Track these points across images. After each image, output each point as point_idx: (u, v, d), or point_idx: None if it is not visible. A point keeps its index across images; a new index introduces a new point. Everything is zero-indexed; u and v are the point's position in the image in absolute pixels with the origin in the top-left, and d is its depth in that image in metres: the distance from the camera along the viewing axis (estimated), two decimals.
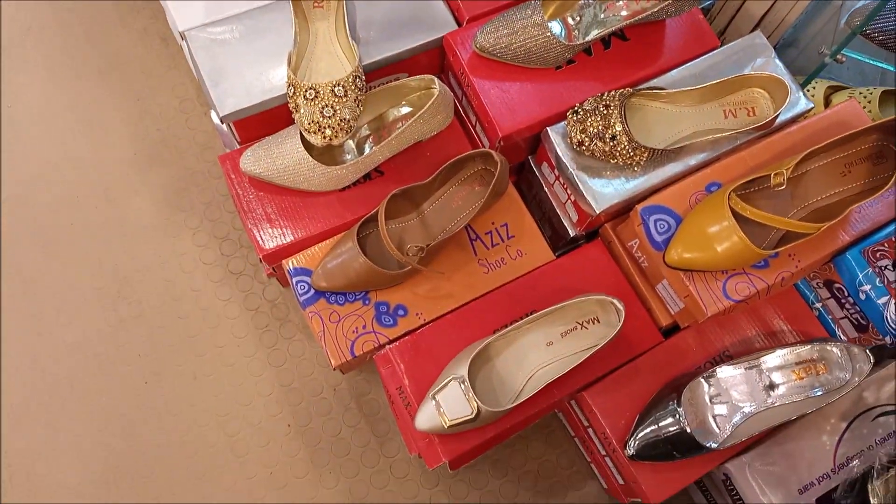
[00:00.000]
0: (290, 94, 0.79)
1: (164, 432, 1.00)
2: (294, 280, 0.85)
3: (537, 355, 0.82)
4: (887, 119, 0.76)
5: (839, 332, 0.87)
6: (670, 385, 0.84)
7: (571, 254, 0.89)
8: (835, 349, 0.81)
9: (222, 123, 0.86)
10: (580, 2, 0.84)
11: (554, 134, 0.83)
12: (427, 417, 0.77)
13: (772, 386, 0.80)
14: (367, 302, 0.84)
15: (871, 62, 0.90)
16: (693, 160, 0.83)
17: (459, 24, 0.89)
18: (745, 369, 0.81)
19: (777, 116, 0.80)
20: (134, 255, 1.08)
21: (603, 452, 0.90)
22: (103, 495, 0.97)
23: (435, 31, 0.87)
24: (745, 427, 0.80)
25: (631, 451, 0.81)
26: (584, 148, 0.80)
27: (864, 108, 0.91)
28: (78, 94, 1.16)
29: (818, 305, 0.88)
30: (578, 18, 0.85)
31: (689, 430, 0.78)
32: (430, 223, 0.86)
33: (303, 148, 0.82)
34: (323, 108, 0.78)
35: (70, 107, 1.15)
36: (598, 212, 0.81)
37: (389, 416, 1.03)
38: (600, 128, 0.79)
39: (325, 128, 0.78)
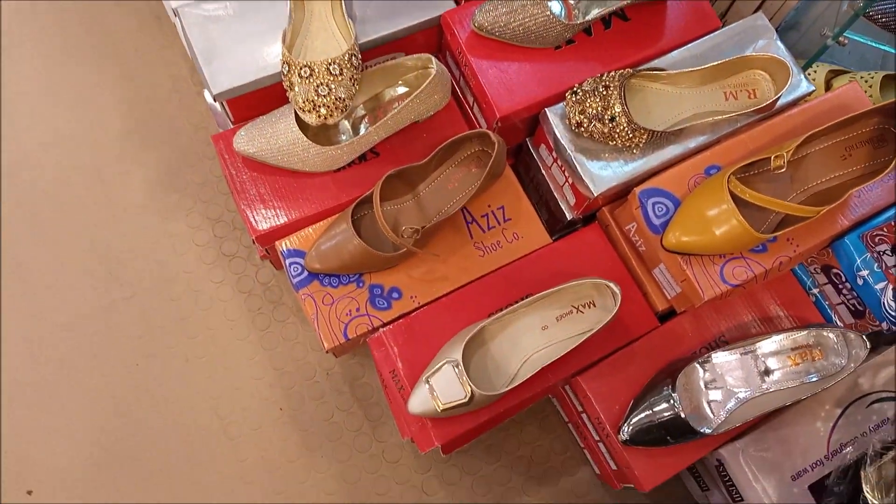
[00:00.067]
0: (285, 72, 0.78)
1: (156, 415, 1.00)
2: (287, 262, 0.84)
3: (532, 339, 0.81)
4: (888, 102, 0.76)
5: (836, 318, 0.87)
6: (665, 370, 0.83)
7: (568, 237, 0.88)
8: (831, 335, 0.80)
9: (215, 102, 0.84)
10: None
11: (552, 115, 0.82)
12: (420, 401, 0.77)
13: (767, 371, 0.80)
14: (361, 284, 0.83)
15: (874, 45, 0.89)
16: (693, 143, 0.82)
17: (457, 3, 0.87)
18: (741, 355, 0.80)
19: (778, 99, 0.79)
20: (126, 237, 1.07)
21: (596, 438, 0.90)
22: (94, 477, 0.97)
23: (432, 9, 0.86)
24: (739, 413, 0.79)
25: (624, 436, 0.80)
26: (582, 129, 0.79)
27: (866, 92, 0.90)
28: (70, 72, 1.14)
29: (815, 291, 0.87)
30: None
31: (683, 416, 0.78)
32: (426, 205, 0.85)
33: (297, 128, 0.81)
34: (318, 86, 0.77)
35: (62, 86, 1.13)
36: (595, 194, 0.80)
37: (382, 401, 1.02)
38: (599, 109, 0.78)
39: (319, 106, 0.77)
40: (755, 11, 0.90)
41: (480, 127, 0.88)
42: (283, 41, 0.78)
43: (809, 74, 0.96)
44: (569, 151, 0.81)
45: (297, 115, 0.81)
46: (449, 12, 0.85)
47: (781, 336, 0.80)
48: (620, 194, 0.85)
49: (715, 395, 0.80)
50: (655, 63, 0.84)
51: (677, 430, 0.79)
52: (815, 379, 0.79)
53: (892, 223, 0.80)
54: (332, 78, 0.77)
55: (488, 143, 0.82)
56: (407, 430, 0.83)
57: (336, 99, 0.77)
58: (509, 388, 0.77)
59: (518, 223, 0.88)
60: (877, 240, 0.80)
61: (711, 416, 0.79)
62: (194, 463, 0.98)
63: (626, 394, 0.83)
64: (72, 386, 1.00)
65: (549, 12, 0.80)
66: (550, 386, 0.83)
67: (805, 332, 0.81)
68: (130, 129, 1.12)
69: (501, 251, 0.86)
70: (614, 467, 0.90)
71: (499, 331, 0.81)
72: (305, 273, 0.83)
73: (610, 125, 0.78)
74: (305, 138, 0.80)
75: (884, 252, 0.79)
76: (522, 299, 0.82)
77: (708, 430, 0.78)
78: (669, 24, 0.86)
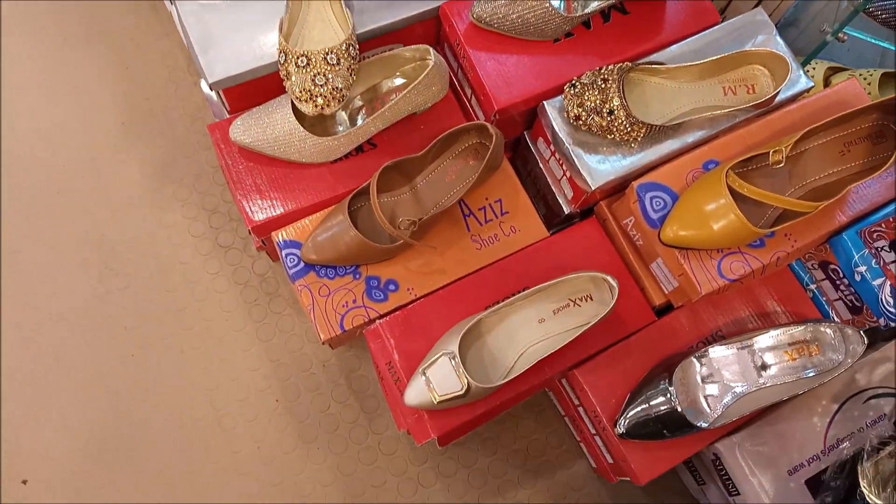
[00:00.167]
0: (282, 62, 0.78)
1: (151, 406, 0.99)
2: (283, 253, 0.83)
3: (529, 332, 0.81)
4: (887, 98, 0.75)
5: (833, 314, 0.87)
6: (662, 364, 0.83)
7: (565, 231, 0.88)
8: (828, 330, 0.80)
9: (212, 92, 0.84)
10: None
11: (550, 108, 0.82)
12: (416, 393, 0.76)
13: (764, 366, 0.80)
14: (357, 276, 0.83)
15: (873, 41, 0.89)
16: (691, 137, 0.81)
17: None
18: (738, 349, 0.80)
19: (777, 94, 0.79)
20: (121, 227, 1.06)
21: (593, 431, 0.90)
22: (89, 468, 0.96)
23: (431, 0, 0.85)
24: (735, 407, 0.79)
25: (621, 429, 0.80)
26: (580, 122, 0.79)
27: (864, 90, 0.90)
28: (65, 61, 1.13)
29: (812, 287, 0.87)
30: None
31: (679, 410, 0.78)
32: (423, 197, 0.85)
33: (294, 118, 0.80)
34: (315, 76, 0.76)
35: (57, 74, 1.13)
36: (593, 188, 0.80)
37: (379, 393, 1.02)
38: (598, 102, 0.77)
39: (316, 96, 0.77)
40: (754, 7, 0.90)
41: (478, 119, 0.88)
42: (280, 30, 0.78)
43: (808, 71, 0.96)
44: (566, 145, 0.81)
45: (293, 106, 0.80)
46: (447, 3, 0.85)
47: (778, 331, 0.80)
48: (618, 188, 0.85)
49: (711, 389, 0.80)
50: (654, 57, 0.83)
51: (674, 424, 0.79)
52: (811, 374, 0.79)
53: (891, 219, 0.80)
54: (329, 68, 0.76)
55: (486, 136, 0.82)
56: (403, 421, 0.83)
57: (333, 89, 0.77)
58: (506, 380, 0.77)
59: (515, 216, 0.87)
60: (875, 236, 0.80)
61: (708, 410, 0.79)
62: (189, 454, 0.98)
63: (623, 387, 0.83)
64: (66, 376, 1.00)
65: (547, 4, 0.80)
66: (547, 379, 0.82)
67: (802, 328, 0.81)
68: (126, 119, 1.11)
69: (499, 244, 0.86)
70: (610, 461, 0.90)
71: (495, 323, 0.81)
72: (302, 264, 0.83)
73: (608, 119, 0.77)
74: (302, 129, 0.80)
75: (882, 248, 0.79)
76: (519, 292, 0.81)
77: (704, 425, 0.78)
78: (669, 19, 0.86)
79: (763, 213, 0.77)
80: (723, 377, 0.79)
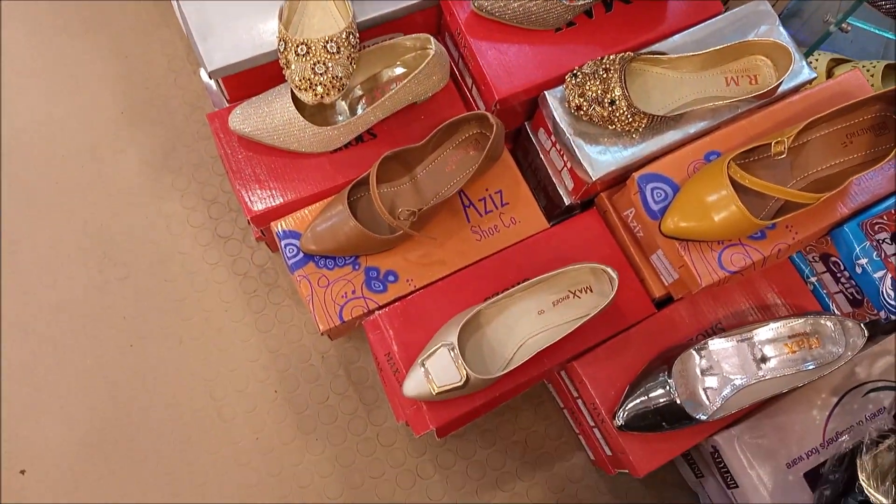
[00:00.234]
0: (281, 50, 0.77)
1: (150, 396, 0.99)
2: (283, 243, 0.83)
3: (528, 323, 0.81)
4: (890, 89, 0.75)
5: (833, 307, 0.86)
6: (661, 356, 0.83)
7: (566, 223, 0.87)
8: (828, 323, 0.80)
9: (211, 80, 0.83)
10: None
11: (552, 98, 0.81)
12: (415, 384, 0.76)
13: (763, 359, 0.80)
14: (356, 267, 0.83)
15: (877, 32, 0.88)
16: (693, 128, 0.81)
17: None
18: (738, 342, 0.80)
19: (780, 84, 0.78)
20: (120, 216, 1.06)
21: (592, 423, 0.90)
22: (87, 458, 0.96)
23: None
24: (734, 400, 0.79)
25: (620, 421, 0.80)
26: (582, 113, 0.79)
27: (867, 81, 0.90)
28: (64, 49, 1.13)
29: (813, 280, 0.87)
30: None
31: (678, 402, 0.77)
32: (423, 187, 0.84)
33: (293, 107, 0.80)
34: (315, 64, 0.76)
35: (56, 63, 1.12)
36: (594, 179, 0.80)
37: (378, 385, 1.02)
38: (599, 92, 0.77)
39: (316, 85, 0.76)
40: None
41: (479, 110, 0.87)
42: (280, 18, 0.77)
43: (811, 63, 0.95)
44: (567, 135, 0.80)
45: (293, 95, 0.80)
46: None
47: (778, 323, 0.80)
48: (619, 179, 0.84)
49: (711, 381, 0.79)
50: (657, 47, 0.83)
51: (673, 416, 0.78)
52: (811, 367, 0.79)
53: (892, 211, 0.79)
54: (329, 56, 0.76)
55: (487, 126, 0.82)
56: (402, 413, 0.82)
57: (333, 78, 0.76)
58: (505, 372, 0.76)
59: (516, 207, 0.87)
60: (876, 228, 0.79)
61: (707, 402, 0.79)
62: (188, 445, 0.98)
63: (622, 379, 0.83)
64: (65, 366, 0.99)
65: None
66: (546, 371, 0.82)
67: (802, 320, 0.80)
68: (125, 108, 1.11)
69: (499, 235, 0.86)
70: (609, 453, 0.89)
71: (495, 315, 0.81)
72: (301, 254, 0.82)
73: (609, 109, 0.77)
74: (301, 118, 0.80)
75: (883, 240, 0.79)
76: (519, 284, 0.81)
77: (703, 417, 0.78)
78: (671, 8, 0.85)
79: (764, 204, 0.77)
80: (722, 369, 0.79)
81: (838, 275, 0.84)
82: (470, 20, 0.83)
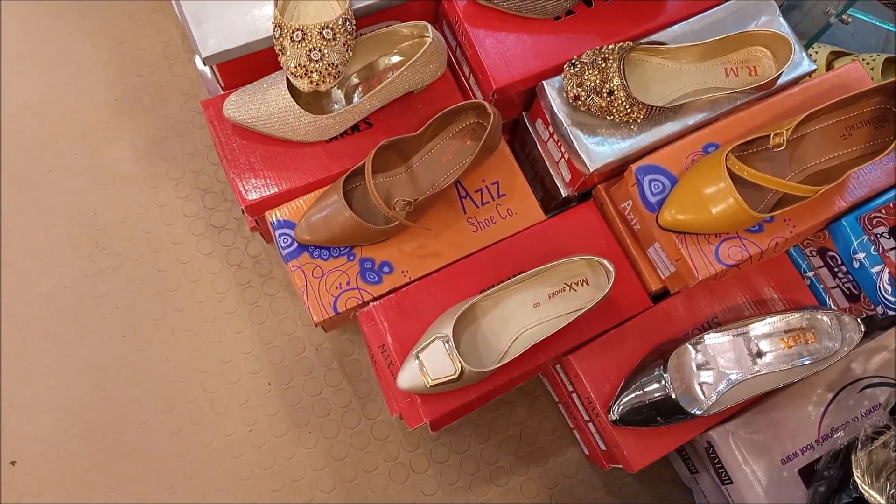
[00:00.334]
0: (277, 36, 0.76)
1: (141, 387, 0.98)
2: (277, 233, 0.82)
3: (524, 316, 0.80)
4: (890, 81, 0.74)
5: (830, 302, 0.86)
6: (657, 350, 0.82)
7: (563, 214, 0.87)
8: (825, 318, 0.79)
9: (206, 67, 0.82)
10: None
11: (549, 88, 0.81)
12: (409, 376, 0.76)
13: (759, 354, 0.79)
14: (351, 258, 0.82)
15: (878, 23, 0.88)
16: (691, 120, 0.80)
17: None
18: (734, 336, 0.79)
19: (779, 76, 0.78)
20: (113, 205, 1.05)
21: (586, 418, 0.89)
22: (78, 448, 0.96)
23: None
24: (730, 395, 0.79)
25: (614, 416, 0.80)
26: (580, 103, 0.78)
27: (867, 74, 0.89)
28: (58, 35, 1.12)
29: (810, 274, 0.86)
30: None
31: (674, 396, 0.77)
32: (419, 177, 0.84)
33: (289, 95, 0.79)
34: (310, 51, 0.75)
35: (49, 48, 1.11)
36: (591, 170, 0.79)
37: (372, 378, 1.01)
38: (598, 82, 0.76)
39: (311, 72, 0.75)
40: None
41: (476, 99, 0.87)
42: (276, 3, 0.76)
43: (811, 55, 0.95)
44: (565, 125, 0.80)
45: (289, 83, 0.79)
46: None
47: (775, 318, 0.80)
48: (616, 171, 0.84)
49: (706, 376, 0.79)
50: (656, 37, 0.82)
51: (668, 411, 0.78)
52: (807, 362, 0.79)
53: (891, 205, 0.79)
54: (325, 43, 0.75)
55: (484, 115, 0.81)
56: (395, 406, 0.82)
57: (329, 65, 0.75)
58: (499, 364, 0.76)
59: (512, 199, 0.86)
60: (874, 222, 0.79)
61: (702, 397, 0.78)
62: (180, 437, 0.97)
63: (617, 374, 0.82)
64: (56, 357, 0.98)
65: None
66: (541, 364, 0.82)
67: (799, 315, 0.80)
68: (119, 95, 1.10)
69: (495, 227, 0.85)
70: (603, 448, 0.89)
71: (490, 307, 0.80)
72: (295, 245, 0.82)
73: (608, 99, 0.76)
74: (297, 106, 0.79)
75: (881, 235, 0.79)
76: (515, 276, 0.81)
77: (698, 412, 0.77)
78: None
79: (762, 197, 0.76)
80: (718, 364, 0.79)
81: (835, 269, 0.83)
82: (468, 8, 0.82)
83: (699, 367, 0.79)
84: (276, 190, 0.82)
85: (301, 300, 0.81)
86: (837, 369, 0.85)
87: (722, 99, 0.80)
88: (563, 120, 0.80)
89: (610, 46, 0.78)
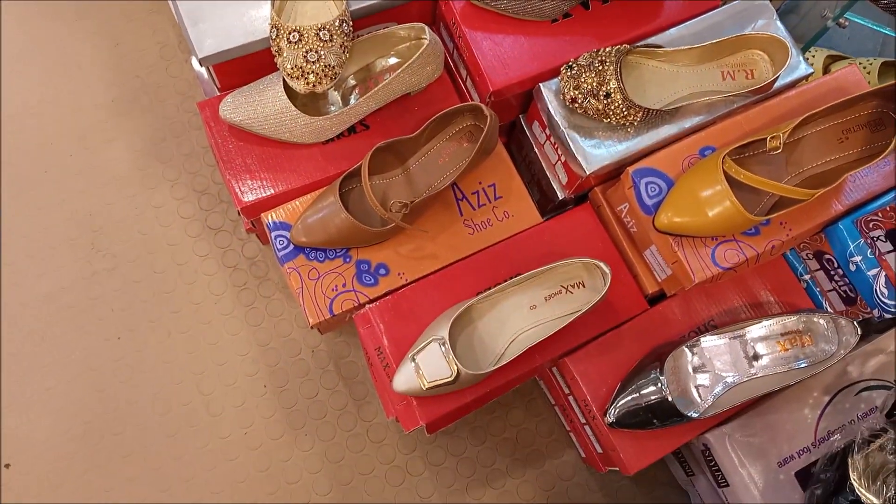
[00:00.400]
0: (273, 37, 0.76)
1: (137, 389, 0.98)
2: (273, 234, 0.82)
3: (520, 318, 0.80)
4: (887, 84, 0.74)
5: (826, 305, 0.86)
6: (653, 353, 0.82)
7: (559, 217, 0.87)
8: (821, 321, 0.79)
9: (202, 68, 0.82)
10: None
11: (546, 90, 0.81)
12: (405, 379, 0.75)
13: (755, 356, 0.79)
14: (347, 260, 0.82)
15: (875, 27, 0.88)
16: (688, 123, 0.80)
17: None
18: (730, 339, 0.79)
19: (776, 79, 0.78)
20: (109, 206, 1.05)
21: (583, 420, 0.89)
22: (73, 451, 0.95)
23: None
24: (726, 397, 0.79)
25: (611, 418, 0.79)
26: (576, 105, 0.78)
27: (864, 78, 0.89)
28: (55, 35, 1.11)
29: (806, 277, 0.86)
30: None
31: (670, 399, 0.77)
32: (416, 180, 0.84)
33: (285, 96, 0.79)
34: (307, 52, 0.75)
35: (46, 49, 1.11)
36: (588, 173, 0.79)
37: (368, 380, 1.01)
38: (594, 84, 0.76)
39: (308, 73, 0.75)
40: None
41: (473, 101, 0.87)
42: (272, 4, 0.76)
43: (808, 59, 0.95)
44: (562, 128, 0.80)
45: (285, 84, 0.79)
46: None
47: (771, 321, 0.80)
48: (613, 174, 0.84)
49: (703, 379, 0.79)
50: (653, 40, 0.82)
51: (664, 414, 0.78)
52: (803, 365, 0.79)
53: (887, 208, 0.79)
54: (321, 44, 0.75)
55: (481, 117, 0.81)
56: (391, 408, 0.81)
57: (325, 66, 0.75)
58: (496, 367, 0.76)
59: (509, 201, 0.86)
60: (871, 225, 0.79)
61: (699, 400, 0.78)
62: (176, 439, 0.97)
63: (614, 376, 0.82)
64: (51, 358, 0.98)
65: None
66: (537, 367, 0.82)
67: (795, 318, 0.80)
68: (116, 96, 1.09)
69: (491, 229, 0.85)
70: (600, 450, 0.89)
71: (487, 309, 0.80)
72: (291, 246, 0.81)
73: (605, 101, 0.76)
74: (293, 108, 0.79)
75: (878, 238, 0.79)
76: (511, 278, 0.80)
77: (695, 415, 0.77)
78: (668, 1, 0.85)
79: (759, 200, 0.76)
80: (714, 367, 0.79)
81: (832, 272, 0.83)
82: (465, 10, 0.82)
83: (695, 369, 0.79)
84: (273, 192, 0.82)
85: (297, 302, 0.81)
86: (834, 372, 0.85)
87: (718, 102, 0.80)
88: (559, 122, 0.80)
89: (607, 49, 0.78)
